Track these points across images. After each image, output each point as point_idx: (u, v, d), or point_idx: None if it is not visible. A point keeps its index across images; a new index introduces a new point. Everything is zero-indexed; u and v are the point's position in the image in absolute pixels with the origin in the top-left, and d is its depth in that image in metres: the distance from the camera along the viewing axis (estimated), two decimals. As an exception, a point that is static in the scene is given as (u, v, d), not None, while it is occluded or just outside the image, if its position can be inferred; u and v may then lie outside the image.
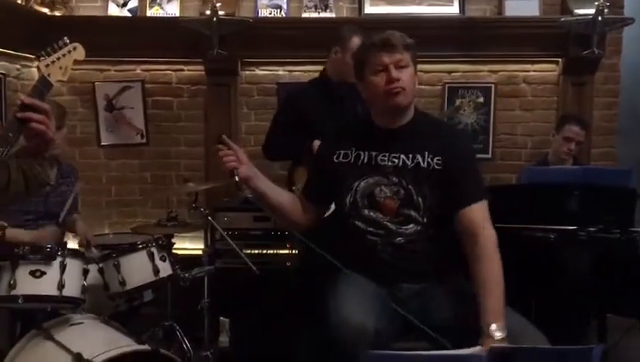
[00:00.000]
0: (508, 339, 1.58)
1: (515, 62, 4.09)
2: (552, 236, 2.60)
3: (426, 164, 1.98)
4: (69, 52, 1.76)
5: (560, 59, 4.05)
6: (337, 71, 3.23)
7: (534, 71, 4.13)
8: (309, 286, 2.93)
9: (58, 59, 1.72)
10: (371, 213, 2.00)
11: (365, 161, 2.02)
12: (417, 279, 2.00)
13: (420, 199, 1.97)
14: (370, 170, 2.02)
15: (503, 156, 4.14)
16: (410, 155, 1.98)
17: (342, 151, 2.07)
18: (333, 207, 3.08)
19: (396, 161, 1.99)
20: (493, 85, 4.09)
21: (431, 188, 1.97)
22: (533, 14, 4.00)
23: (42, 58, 1.70)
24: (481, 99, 4.03)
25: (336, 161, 2.07)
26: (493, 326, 1.62)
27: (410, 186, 1.97)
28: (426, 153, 1.98)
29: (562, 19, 3.86)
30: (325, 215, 3.12)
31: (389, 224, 1.98)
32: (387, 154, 2.00)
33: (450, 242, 2.02)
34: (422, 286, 2.00)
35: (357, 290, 1.91)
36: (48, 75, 1.68)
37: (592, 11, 3.76)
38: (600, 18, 3.74)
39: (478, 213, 1.93)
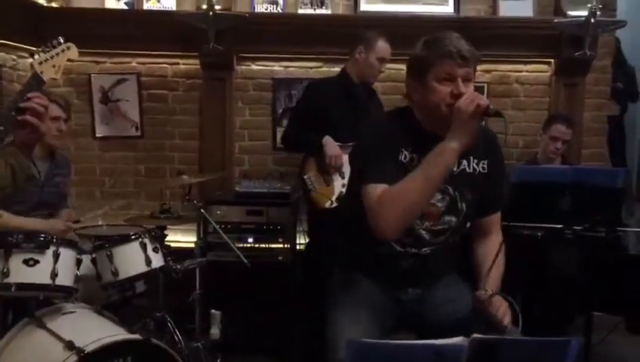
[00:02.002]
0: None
1: (508, 62, 4.13)
2: (540, 234, 2.64)
3: (471, 168, 1.95)
4: (63, 51, 1.81)
5: (552, 60, 4.09)
6: (359, 71, 3.34)
7: (527, 71, 4.17)
8: (312, 278, 2.98)
9: (52, 57, 1.77)
10: None
11: (416, 165, 1.84)
12: (425, 284, 2.02)
13: (463, 205, 1.95)
14: None
15: (495, 155, 4.18)
16: (456, 161, 1.87)
17: (404, 152, 1.88)
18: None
19: None
20: (485, 85, 4.12)
21: (473, 193, 1.95)
22: (527, 15, 4.04)
23: (36, 56, 1.74)
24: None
25: (402, 160, 1.88)
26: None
27: (455, 193, 1.93)
28: (471, 158, 1.94)
29: (555, 20, 3.91)
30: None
31: (423, 233, 1.93)
32: None
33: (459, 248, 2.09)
34: (425, 290, 2.02)
35: (354, 305, 1.92)
36: (41, 72, 1.72)
37: (585, 13, 3.81)
38: (592, 20, 3.78)
39: (498, 217, 2.06)
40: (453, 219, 1.95)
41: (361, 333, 1.76)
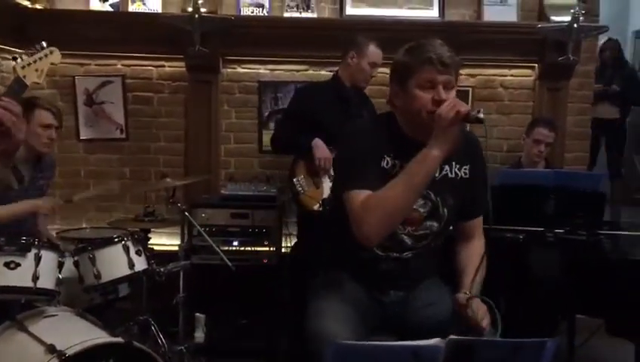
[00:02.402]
0: None
1: (493, 66, 4.16)
2: (521, 237, 2.67)
3: (453, 173, 1.95)
4: (46, 55, 1.81)
5: (536, 65, 4.13)
6: (351, 76, 3.38)
7: (511, 75, 4.21)
8: (299, 280, 2.98)
9: (35, 61, 1.77)
10: None
11: (398, 171, 1.85)
12: (407, 287, 2.04)
13: (445, 210, 1.95)
14: None
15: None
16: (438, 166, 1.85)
17: (386, 158, 1.89)
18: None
19: None
20: (470, 89, 4.15)
21: (455, 198, 1.96)
22: (511, 20, 4.07)
23: (19, 60, 1.75)
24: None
25: (384, 166, 1.89)
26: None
27: (437, 198, 1.94)
28: (453, 163, 1.94)
29: (539, 25, 3.94)
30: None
31: (405, 237, 1.95)
32: None
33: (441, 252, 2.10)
34: (407, 293, 2.04)
35: (337, 299, 1.93)
36: (24, 76, 1.73)
37: (568, 19, 3.85)
38: (575, 25, 3.83)
39: (480, 221, 2.05)
40: (435, 224, 1.96)
41: (344, 328, 1.78)
